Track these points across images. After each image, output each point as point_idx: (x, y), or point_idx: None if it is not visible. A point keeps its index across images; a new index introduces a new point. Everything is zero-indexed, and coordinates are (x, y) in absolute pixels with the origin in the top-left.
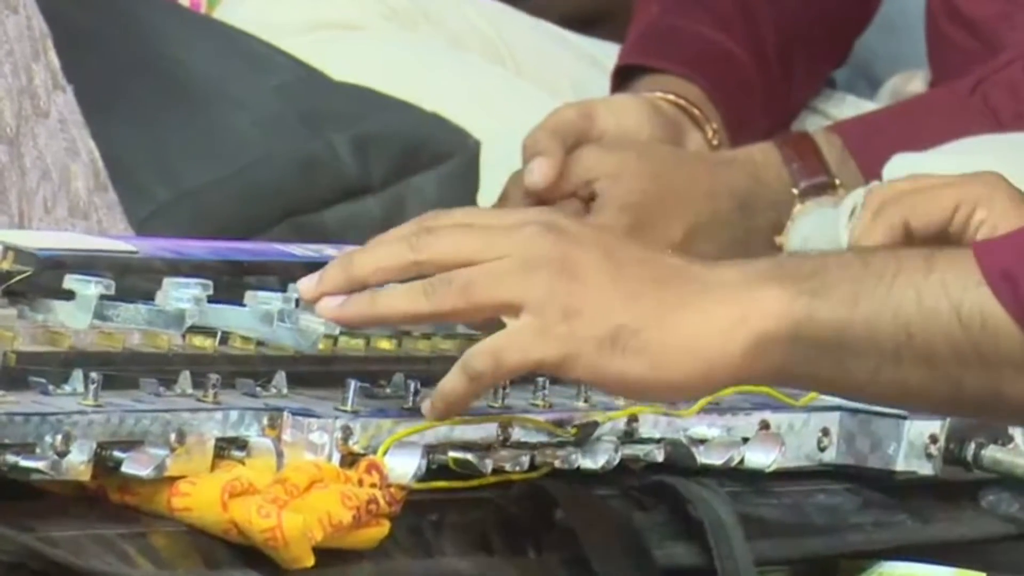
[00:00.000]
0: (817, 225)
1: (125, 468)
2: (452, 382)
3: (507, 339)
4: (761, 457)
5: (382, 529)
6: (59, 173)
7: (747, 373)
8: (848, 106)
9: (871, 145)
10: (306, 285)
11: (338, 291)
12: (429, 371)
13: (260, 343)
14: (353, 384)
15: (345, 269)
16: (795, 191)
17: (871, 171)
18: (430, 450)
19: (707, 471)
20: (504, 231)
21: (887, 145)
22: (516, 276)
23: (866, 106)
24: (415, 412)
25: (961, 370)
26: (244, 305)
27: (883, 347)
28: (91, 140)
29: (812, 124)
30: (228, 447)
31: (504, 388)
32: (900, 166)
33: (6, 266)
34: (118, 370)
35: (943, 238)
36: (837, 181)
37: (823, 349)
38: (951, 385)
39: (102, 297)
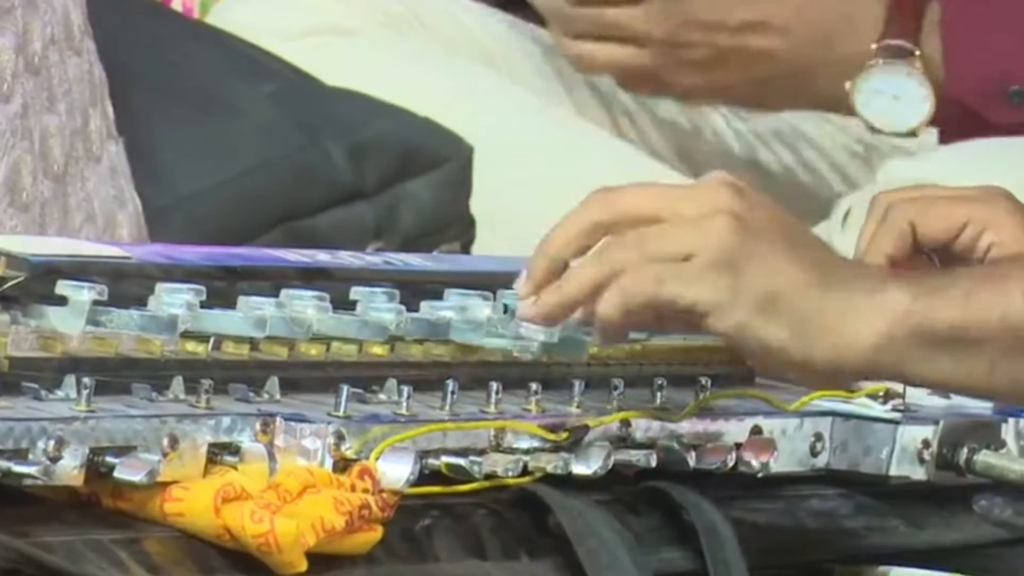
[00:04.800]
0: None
1: (118, 474)
2: (606, 306)
3: (669, 270)
4: (754, 462)
5: (375, 534)
6: (105, 219)
7: (873, 366)
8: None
9: (961, 31)
10: (520, 287)
11: (544, 277)
12: (422, 376)
13: (254, 347)
14: (346, 389)
15: (544, 254)
16: (874, 47)
17: (951, 55)
18: (423, 455)
19: (700, 476)
20: (683, 189)
21: (978, 37)
22: (691, 226)
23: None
24: (408, 417)
25: None
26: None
27: (995, 345)
28: (136, 194)
29: (805, 120)
30: (221, 452)
31: (497, 394)
32: (898, 170)
33: None
34: (111, 375)
35: (947, 253)
36: (917, 52)
37: (940, 347)
38: None
39: (95, 303)
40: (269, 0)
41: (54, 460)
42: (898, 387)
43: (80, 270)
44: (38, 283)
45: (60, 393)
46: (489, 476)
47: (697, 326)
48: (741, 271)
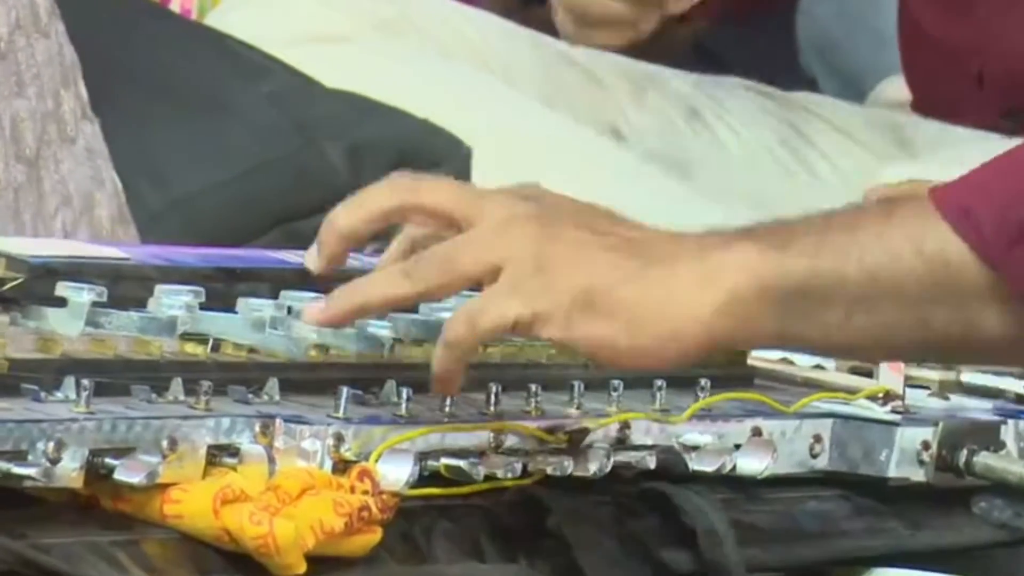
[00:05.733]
0: None
1: (117, 475)
2: (436, 356)
3: (482, 301)
4: (753, 464)
5: (374, 536)
6: (82, 200)
7: (717, 334)
8: (840, 112)
9: None
10: (310, 260)
11: (335, 253)
12: (421, 378)
13: (252, 350)
14: (345, 391)
15: (335, 230)
16: None
17: None
18: (422, 457)
19: (699, 478)
20: (478, 195)
21: None
22: (493, 237)
23: (857, 111)
24: (407, 419)
25: (930, 308)
26: (236, 312)
27: (851, 293)
28: (115, 173)
29: (806, 124)
30: (220, 454)
31: (497, 395)
32: (899, 174)
33: None
34: (110, 377)
35: None
36: None
37: (792, 301)
38: (921, 325)
39: (94, 304)
40: (264, 6)
41: (54, 462)
42: (898, 389)
43: (79, 272)
44: (37, 284)
45: (59, 394)
46: (488, 478)
47: (530, 336)
48: (550, 273)
